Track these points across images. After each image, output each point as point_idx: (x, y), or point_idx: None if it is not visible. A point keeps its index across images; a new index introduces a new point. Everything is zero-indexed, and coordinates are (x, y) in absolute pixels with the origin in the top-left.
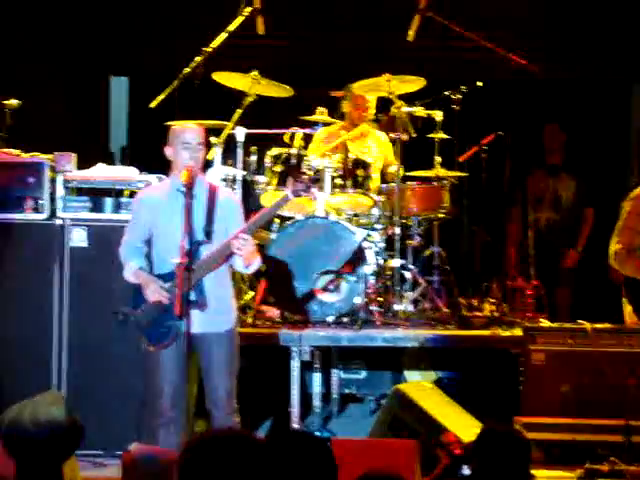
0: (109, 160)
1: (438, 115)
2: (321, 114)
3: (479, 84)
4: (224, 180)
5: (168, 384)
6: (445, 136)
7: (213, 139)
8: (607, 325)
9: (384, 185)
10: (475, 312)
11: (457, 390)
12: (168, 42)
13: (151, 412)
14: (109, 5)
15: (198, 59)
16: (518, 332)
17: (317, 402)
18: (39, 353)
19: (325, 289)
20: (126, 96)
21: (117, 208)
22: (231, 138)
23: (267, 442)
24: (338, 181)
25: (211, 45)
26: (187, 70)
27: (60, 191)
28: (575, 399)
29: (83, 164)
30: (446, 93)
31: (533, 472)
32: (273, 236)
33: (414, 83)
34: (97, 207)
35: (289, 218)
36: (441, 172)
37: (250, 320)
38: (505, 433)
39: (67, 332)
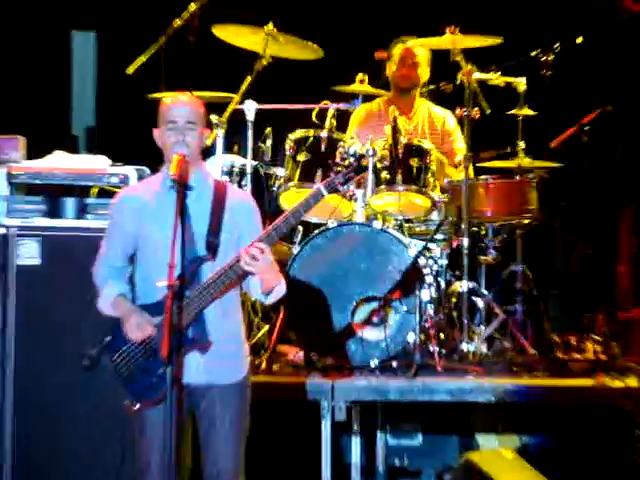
0: (71, 146)
1: (521, 84)
2: (361, 84)
3: (578, 41)
4: (228, 173)
5: (156, 456)
6: (531, 112)
7: (213, 117)
8: None
9: (447, 180)
10: (574, 354)
11: (548, 460)
12: None
13: None
14: None
15: (192, 7)
16: (633, 382)
17: (357, 477)
18: None
19: (367, 322)
20: (93, 59)
21: (81, 212)
22: (238, 116)
23: None
24: (384, 174)
25: None
26: (177, 22)
27: (3, 189)
28: None
29: (35, 151)
30: (532, 54)
31: None
32: (295, 250)
33: (488, 40)
34: (54, 211)
35: (317, 225)
36: (525, 162)
37: (264, 365)
38: None
39: (12, 384)
